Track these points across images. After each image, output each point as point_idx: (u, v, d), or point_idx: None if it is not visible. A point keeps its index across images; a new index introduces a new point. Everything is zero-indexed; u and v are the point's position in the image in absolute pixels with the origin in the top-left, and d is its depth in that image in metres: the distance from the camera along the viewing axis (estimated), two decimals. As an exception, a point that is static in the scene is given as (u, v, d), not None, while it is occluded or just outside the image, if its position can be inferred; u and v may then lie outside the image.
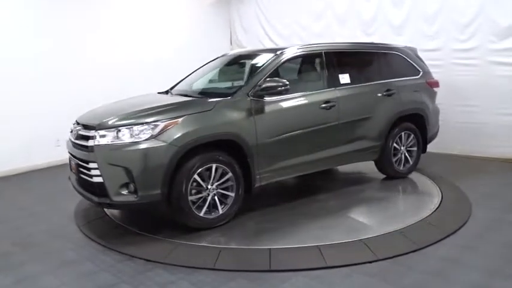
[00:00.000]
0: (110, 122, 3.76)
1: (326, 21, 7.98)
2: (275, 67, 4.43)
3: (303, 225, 4.01)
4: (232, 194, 4.04)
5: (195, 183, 3.82)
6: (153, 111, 3.85)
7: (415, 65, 5.51)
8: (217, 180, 3.95)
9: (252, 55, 5.27)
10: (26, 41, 6.51)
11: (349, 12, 7.64)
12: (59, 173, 6.14)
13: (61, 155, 6.22)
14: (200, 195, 3.88)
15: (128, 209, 4.14)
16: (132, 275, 3.20)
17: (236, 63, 5.47)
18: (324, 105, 4.57)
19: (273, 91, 4.16)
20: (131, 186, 3.64)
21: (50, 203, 5.05)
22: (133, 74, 7.61)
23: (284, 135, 4.30)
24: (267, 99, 4.21)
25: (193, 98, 4.42)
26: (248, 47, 8.74)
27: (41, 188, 5.75)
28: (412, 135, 5.34)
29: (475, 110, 6.29)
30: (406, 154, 5.34)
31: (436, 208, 4.31)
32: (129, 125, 3.70)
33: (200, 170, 3.82)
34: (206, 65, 5.46)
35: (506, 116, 6.09)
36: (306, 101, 4.52)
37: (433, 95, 5.64)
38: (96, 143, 3.69)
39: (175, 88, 5.20)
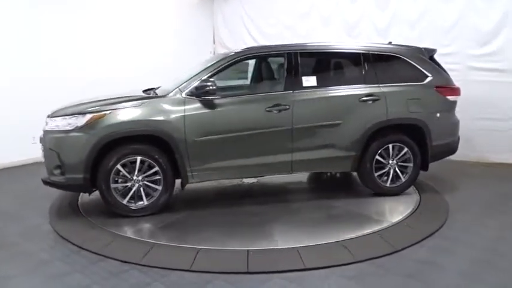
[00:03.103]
0: (57, 112, 4.23)
1: (311, 22, 8.01)
2: (219, 67, 4.39)
3: (281, 227, 4.00)
4: (159, 188, 4.22)
5: (121, 173, 4.14)
6: (89, 104, 4.21)
7: (422, 69, 4.81)
8: (144, 173, 4.17)
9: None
10: (5, 38, 6.38)
11: (334, 14, 7.69)
12: (34, 170, 5.99)
13: (37, 152, 6.10)
14: (126, 185, 4.17)
15: (60, 189, 4.40)
16: (105, 276, 3.12)
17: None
18: (270, 108, 4.35)
19: (201, 91, 4.20)
20: (61, 168, 4.09)
21: (23, 201, 4.93)
22: (115, 74, 7.51)
23: (218, 136, 4.25)
24: (205, 98, 4.23)
25: (134, 95, 4.46)
26: (232, 47, 8.71)
27: (15, 186, 5.61)
28: (406, 149, 4.71)
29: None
30: (397, 169, 4.75)
31: (414, 210, 4.34)
32: (67, 115, 4.13)
33: (124, 160, 4.12)
34: (205, 63, 5.28)
35: (485, 120, 6.20)
36: (248, 103, 4.43)
37: (444, 104, 4.86)
38: (47, 128, 4.21)
39: (162, 86, 5.08)
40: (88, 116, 4.05)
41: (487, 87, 6.11)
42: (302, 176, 5.67)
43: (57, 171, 4.13)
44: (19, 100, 6.51)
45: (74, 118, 4.08)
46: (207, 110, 4.25)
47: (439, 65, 5.00)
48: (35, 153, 6.24)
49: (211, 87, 4.18)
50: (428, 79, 4.80)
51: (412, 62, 4.80)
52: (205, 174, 4.38)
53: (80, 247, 3.61)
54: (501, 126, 6.16)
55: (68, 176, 4.09)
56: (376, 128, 4.60)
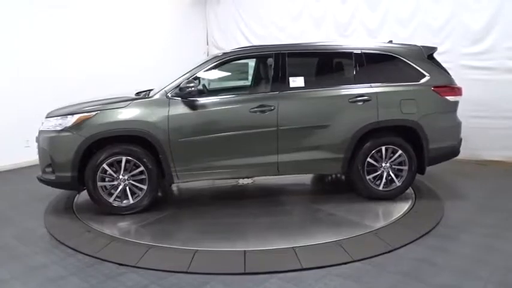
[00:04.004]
0: (52, 113, 4.38)
1: (303, 23, 8.04)
2: (205, 69, 4.45)
3: (277, 228, 3.99)
4: (145, 187, 4.31)
5: (108, 172, 4.26)
6: (78, 106, 4.35)
7: (419, 69, 4.60)
8: (130, 172, 4.28)
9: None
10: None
11: (325, 15, 7.72)
12: (29, 174, 5.95)
13: (30, 156, 6.07)
14: (112, 183, 4.29)
15: (51, 186, 4.45)
16: (102, 279, 3.11)
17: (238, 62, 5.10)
18: (255, 109, 4.31)
19: (184, 92, 4.24)
20: (52, 167, 4.26)
21: (18, 205, 4.90)
22: (110, 75, 7.52)
23: (202, 137, 4.27)
24: (188, 99, 4.28)
25: (123, 97, 4.51)
26: (225, 48, 8.71)
27: (9, 190, 5.56)
28: (400, 152, 4.52)
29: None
30: (391, 173, 4.57)
31: (409, 209, 4.36)
32: (58, 116, 4.29)
33: (110, 160, 4.23)
34: (202, 63, 5.03)
35: (478, 118, 6.24)
36: (232, 104, 4.41)
37: (443, 105, 4.61)
38: (42, 128, 4.38)
39: (155, 88, 5.08)
40: (75, 117, 4.19)
41: (480, 85, 6.14)
42: (302, 178, 5.57)
43: (48, 170, 4.30)
44: (12, 102, 6.47)
45: (64, 119, 4.23)
46: (190, 111, 4.28)
47: (438, 64, 4.78)
48: (29, 156, 6.26)
49: (192, 89, 4.21)
50: (425, 79, 4.59)
51: (408, 61, 4.61)
52: (190, 175, 4.41)
53: (76, 250, 3.59)
54: (494, 124, 6.20)
55: (58, 174, 4.25)
56: (366, 129, 4.45)
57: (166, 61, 8.15)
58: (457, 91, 4.70)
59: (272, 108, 4.33)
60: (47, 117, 4.38)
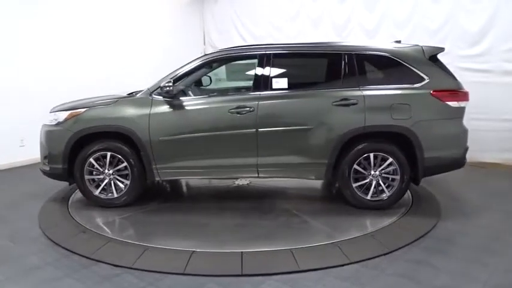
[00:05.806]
0: (54, 108, 4.66)
1: (300, 24, 8.04)
2: (189, 69, 4.49)
3: (275, 229, 3.97)
4: (127, 182, 4.47)
5: (94, 166, 4.47)
6: (71, 104, 4.60)
7: (417, 71, 4.22)
8: (115, 167, 4.46)
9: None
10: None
11: (323, 16, 7.73)
12: (24, 174, 5.92)
13: (26, 155, 6.05)
14: (99, 177, 4.50)
15: (47, 176, 4.70)
16: (98, 280, 3.08)
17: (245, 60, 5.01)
18: (233, 110, 4.25)
19: (163, 92, 4.31)
20: (48, 158, 4.54)
21: (13, 205, 4.86)
22: (107, 74, 7.53)
23: (182, 136, 4.31)
24: (170, 99, 4.35)
25: (112, 95, 4.70)
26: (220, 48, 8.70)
27: (4, 190, 5.51)
28: (391, 160, 4.23)
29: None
30: (381, 182, 4.30)
31: (406, 212, 4.34)
32: (56, 111, 4.57)
33: (96, 155, 4.43)
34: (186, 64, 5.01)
35: (474, 121, 6.23)
36: (212, 104, 4.40)
37: (443, 111, 4.21)
38: (44, 122, 4.64)
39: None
40: (67, 113, 4.45)
41: (477, 87, 6.11)
42: (306, 181, 5.25)
43: (45, 161, 4.60)
44: (11, 102, 6.43)
45: (59, 114, 4.51)
46: (171, 110, 4.35)
47: (443, 66, 4.41)
48: (24, 155, 6.22)
49: (170, 88, 4.25)
50: (423, 82, 4.20)
51: (404, 63, 4.25)
52: (170, 173, 4.46)
53: (71, 251, 3.56)
54: (492, 126, 6.22)
55: (51, 165, 4.53)
56: (351, 134, 4.19)
57: (163, 61, 8.08)
58: (461, 96, 4.28)
59: (251, 109, 4.26)
60: (50, 112, 4.63)
